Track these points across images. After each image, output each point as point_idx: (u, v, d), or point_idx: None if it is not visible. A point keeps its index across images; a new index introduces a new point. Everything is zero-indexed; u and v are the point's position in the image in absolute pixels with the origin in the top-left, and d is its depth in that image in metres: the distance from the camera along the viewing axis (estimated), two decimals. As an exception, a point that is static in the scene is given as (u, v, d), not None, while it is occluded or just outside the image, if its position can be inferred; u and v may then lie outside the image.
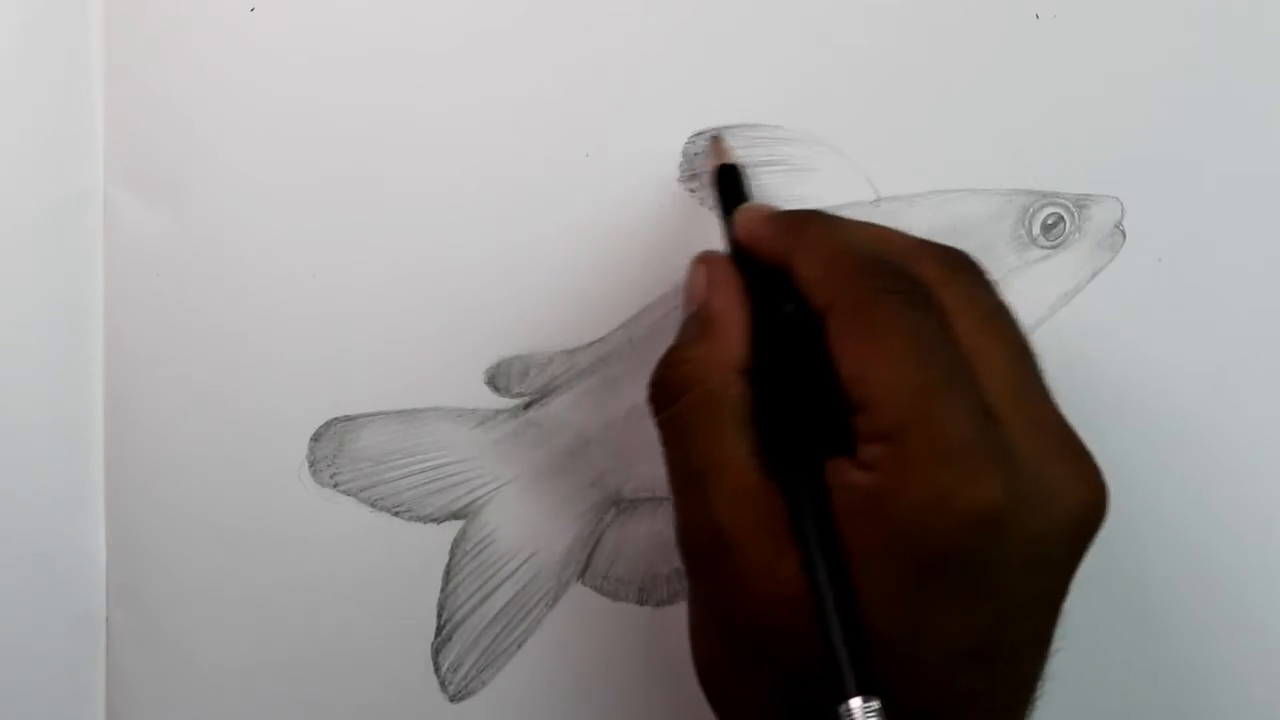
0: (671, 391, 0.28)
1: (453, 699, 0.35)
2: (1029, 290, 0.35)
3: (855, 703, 0.24)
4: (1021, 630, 0.26)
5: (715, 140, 0.33)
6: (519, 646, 0.35)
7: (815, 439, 0.26)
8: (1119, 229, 0.35)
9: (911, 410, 0.25)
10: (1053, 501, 0.25)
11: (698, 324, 0.29)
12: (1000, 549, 0.24)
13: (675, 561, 0.35)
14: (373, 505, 0.35)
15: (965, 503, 0.24)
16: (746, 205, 0.31)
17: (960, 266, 0.28)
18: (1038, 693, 0.26)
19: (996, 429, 0.25)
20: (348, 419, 0.35)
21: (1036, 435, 0.26)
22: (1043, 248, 0.35)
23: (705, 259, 0.30)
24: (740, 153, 0.32)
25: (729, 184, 0.32)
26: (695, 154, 0.34)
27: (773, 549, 0.26)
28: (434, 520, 0.35)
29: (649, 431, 0.35)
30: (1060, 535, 0.25)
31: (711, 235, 0.35)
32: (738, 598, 0.26)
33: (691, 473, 0.27)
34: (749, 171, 0.33)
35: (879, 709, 0.24)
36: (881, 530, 0.25)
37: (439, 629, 0.35)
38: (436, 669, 0.35)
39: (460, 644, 0.35)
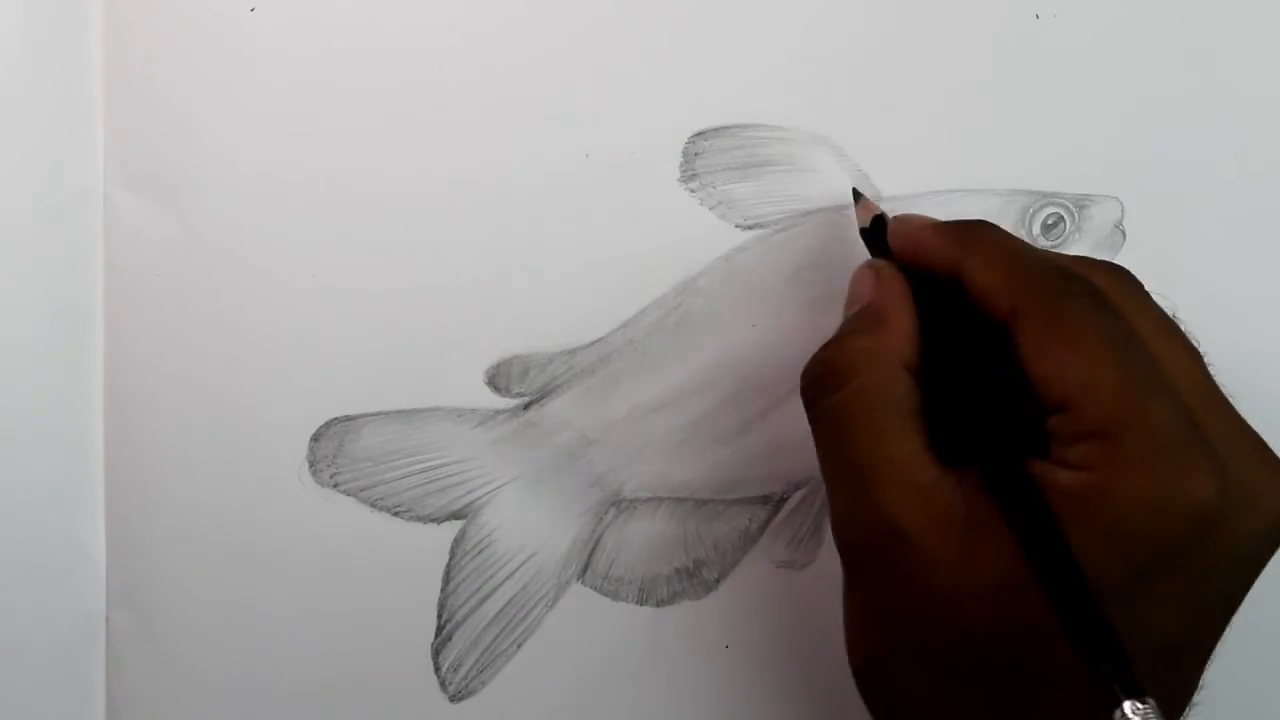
0: (833, 380, 0.28)
1: (453, 699, 0.35)
2: (1029, 290, 0.35)
3: (1129, 706, 0.23)
4: (1210, 630, 0.26)
5: (859, 198, 0.33)
6: (519, 646, 0.35)
7: (998, 439, 0.26)
8: (1119, 229, 0.35)
9: (1122, 406, 0.25)
10: (1257, 502, 0.25)
11: (864, 318, 0.29)
12: (1211, 548, 0.25)
13: (675, 561, 0.35)
14: (373, 505, 0.35)
15: (1184, 499, 0.24)
16: (903, 215, 0.31)
17: (1128, 279, 0.28)
18: (1196, 697, 0.27)
19: (1199, 428, 0.25)
20: (348, 419, 0.35)
21: (1232, 438, 0.26)
22: (1043, 248, 0.35)
23: (872, 264, 0.30)
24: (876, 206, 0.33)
25: (878, 233, 0.32)
26: (695, 154, 0.34)
27: (961, 543, 0.25)
28: (434, 520, 0.35)
29: (649, 431, 0.35)
30: (1263, 536, 0.25)
31: (711, 235, 0.35)
32: (921, 593, 0.26)
33: (855, 466, 0.27)
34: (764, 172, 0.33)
35: (1154, 708, 0.23)
36: (1099, 528, 0.24)
37: (439, 629, 0.35)
38: (436, 669, 0.35)
39: (460, 644, 0.35)
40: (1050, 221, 0.35)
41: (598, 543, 0.35)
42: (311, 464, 0.35)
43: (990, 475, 0.26)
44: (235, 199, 0.34)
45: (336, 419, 0.35)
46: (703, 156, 0.34)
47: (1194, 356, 0.27)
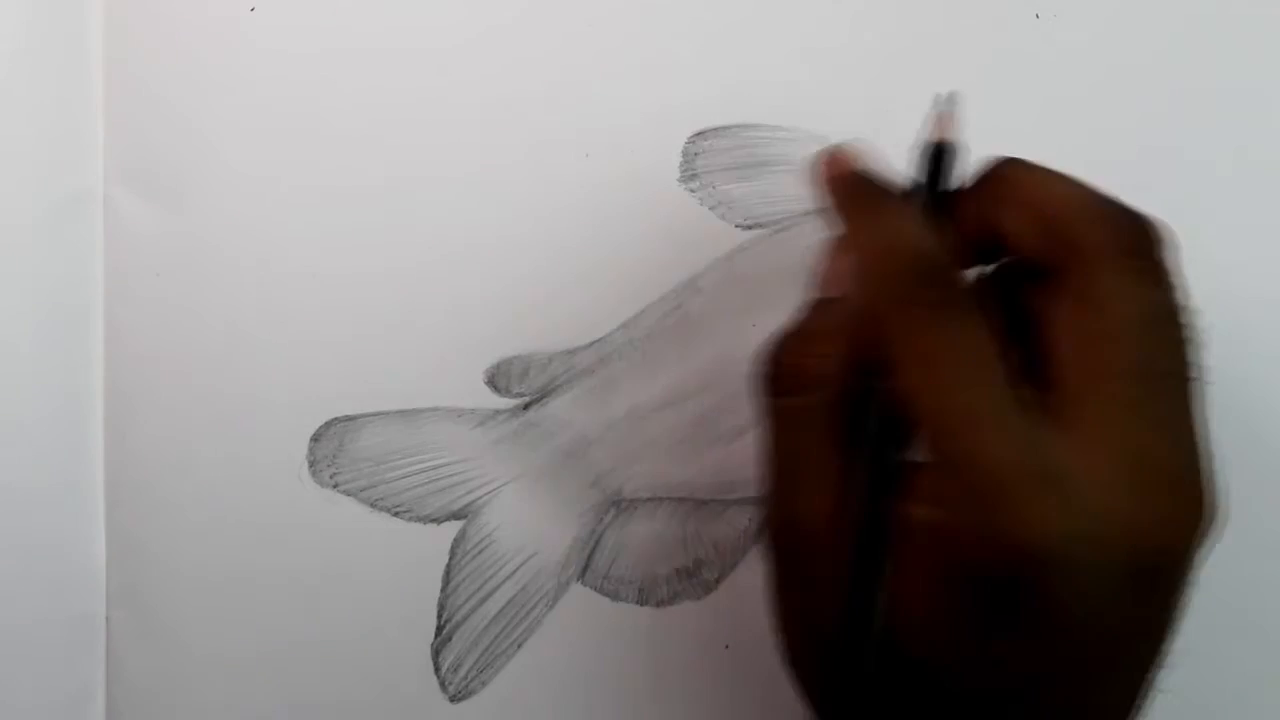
0: (795, 381, 0.27)
1: (453, 699, 0.35)
2: (1029, 290, 0.35)
3: None
4: (1092, 661, 0.24)
5: (942, 114, 0.29)
6: (519, 646, 0.35)
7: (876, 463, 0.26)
8: (1119, 229, 0.35)
9: (961, 440, 0.24)
10: (1111, 534, 0.23)
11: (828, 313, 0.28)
12: (1055, 584, 0.23)
13: (675, 561, 0.35)
14: (373, 505, 0.35)
15: (1017, 539, 0.23)
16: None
17: (1129, 248, 0.26)
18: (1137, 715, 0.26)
19: (1053, 447, 0.24)
20: (348, 419, 0.35)
21: (1109, 461, 0.24)
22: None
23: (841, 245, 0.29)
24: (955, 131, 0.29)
25: (939, 163, 0.28)
26: (695, 154, 0.34)
27: (831, 559, 0.26)
28: (434, 520, 0.35)
29: (649, 431, 0.35)
30: (1119, 568, 0.24)
31: (711, 235, 0.35)
32: (796, 574, 0.27)
33: (786, 466, 0.27)
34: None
35: None
36: (938, 564, 0.24)
37: (439, 629, 0.35)
38: (436, 669, 0.35)
39: (460, 644, 0.35)
40: (1050, 221, 0.35)
41: (598, 543, 0.35)
42: (311, 464, 0.35)
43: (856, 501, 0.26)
44: (235, 199, 0.34)
45: (336, 419, 0.35)
46: (703, 156, 0.34)
47: (1145, 365, 0.25)
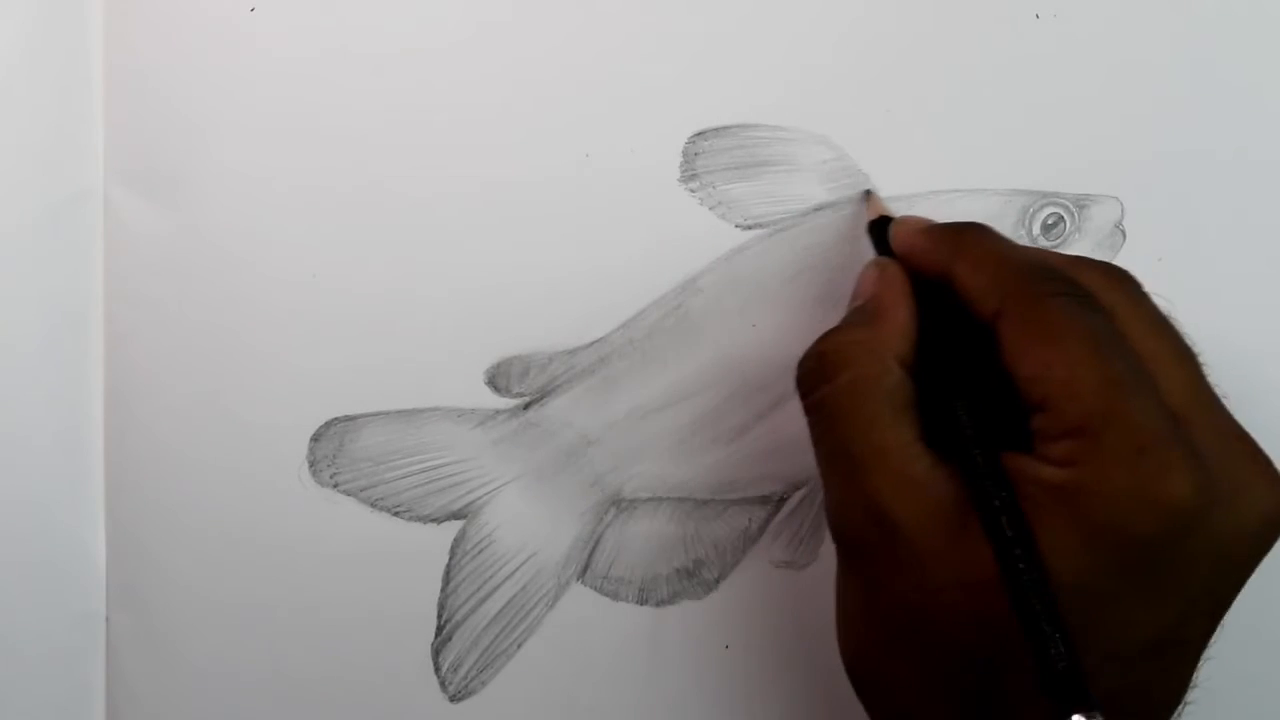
0: (826, 371, 0.28)
1: (453, 699, 0.35)
2: (1029, 290, 0.35)
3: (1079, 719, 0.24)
4: (1197, 627, 0.26)
5: (869, 196, 0.34)
6: (519, 646, 0.35)
7: (985, 436, 0.26)
8: (1119, 229, 0.35)
9: (1103, 404, 0.25)
10: (1241, 502, 0.25)
11: (862, 312, 0.29)
12: (1192, 545, 0.25)
13: (675, 561, 0.35)
14: (373, 505, 0.35)
15: (1163, 496, 0.24)
16: (902, 218, 0.32)
17: (1119, 275, 0.28)
18: (1189, 696, 0.27)
19: (1182, 426, 0.25)
20: (348, 419, 0.35)
21: (1219, 437, 0.26)
22: (1043, 247, 0.35)
23: (878, 262, 0.31)
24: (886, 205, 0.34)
25: (882, 233, 0.32)
26: (695, 154, 0.34)
27: (948, 534, 0.26)
28: (434, 520, 0.35)
29: (649, 431, 0.35)
30: (1248, 535, 0.26)
31: (709, 235, 0.35)
32: (909, 583, 0.26)
33: (847, 456, 0.27)
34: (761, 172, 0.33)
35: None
36: (1079, 523, 0.25)
37: (439, 629, 0.35)
38: (436, 669, 0.35)
39: (460, 644, 0.35)
40: (1050, 221, 0.35)
41: (598, 543, 0.35)
42: (311, 464, 0.35)
43: (969, 470, 0.26)
44: (235, 199, 0.34)
45: (336, 419, 0.35)
46: (703, 156, 0.34)
47: (1186, 356, 0.27)
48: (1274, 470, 0.26)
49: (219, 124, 0.34)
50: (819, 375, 0.28)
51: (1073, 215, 0.35)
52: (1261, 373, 0.35)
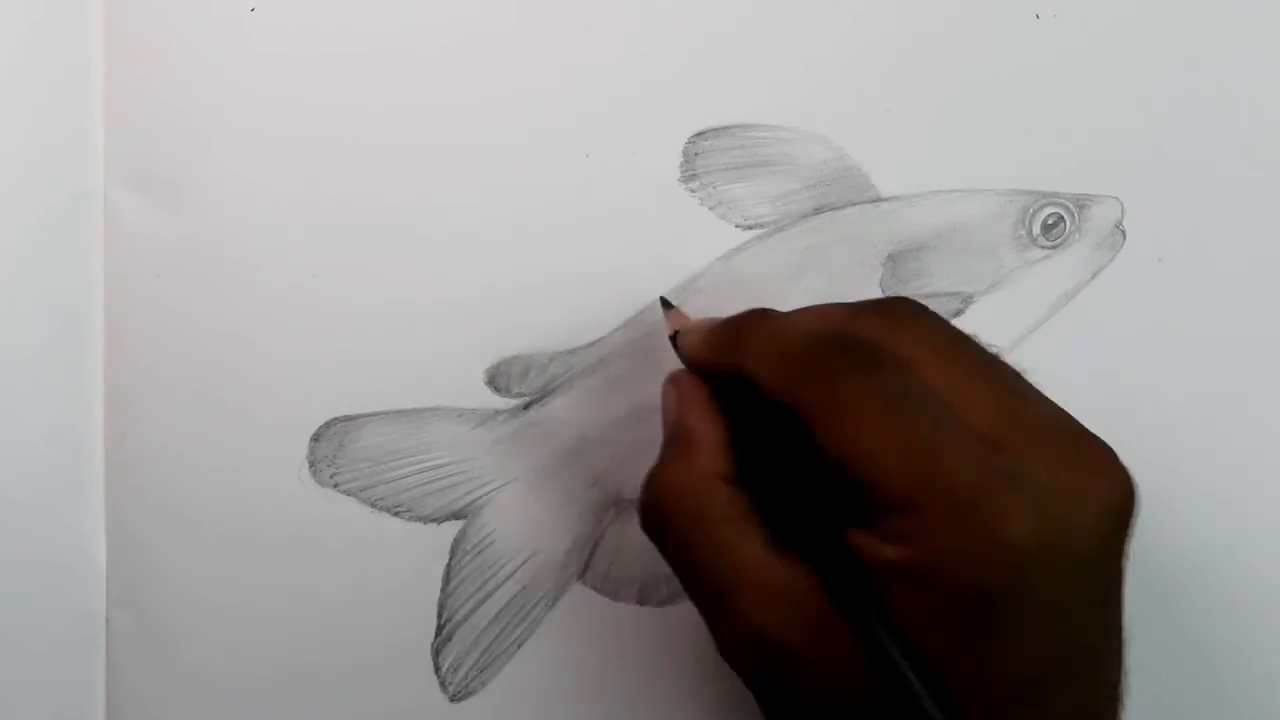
0: (659, 514, 0.28)
1: (453, 699, 0.35)
2: (1029, 290, 0.35)
3: None
4: (1085, 639, 0.25)
5: (666, 307, 0.33)
6: (519, 646, 0.35)
7: (829, 517, 0.26)
8: (1119, 229, 0.35)
9: (914, 473, 0.24)
10: (1079, 508, 0.25)
11: (671, 443, 0.29)
12: (1043, 572, 0.24)
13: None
14: (373, 505, 0.35)
15: (1001, 544, 0.24)
16: (688, 326, 0.31)
17: (900, 313, 0.28)
18: (1123, 689, 0.26)
19: (1001, 455, 0.25)
20: (348, 419, 0.35)
21: (1041, 446, 0.25)
22: (1043, 248, 0.35)
23: (673, 378, 0.30)
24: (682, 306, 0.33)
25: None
26: (695, 154, 0.34)
27: (827, 639, 0.25)
28: (434, 520, 0.35)
29: (649, 431, 0.35)
30: (1096, 538, 0.25)
31: (711, 235, 0.35)
32: (805, 692, 0.26)
33: (710, 590, 0.27)
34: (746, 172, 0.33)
35: None
36: (930, 596, 0.24)
37: (439, 629, 0.35)
38: (436, 669, 0.35)
39: (460, 644, 0.35)
40: (1050, 221, 0.35)
41: (598, 543, 0.35)
42: (311, 464, 0.35)
43: (814, 558, 0.26)
44: (235, 199, 0.34)
45: (336, 419, 0.35)
46: (703, 156, 0.34)
47: (990, 373, 0.27)
48: (1110, 458, 0.26)
49: (219, 124, 0.34)
50: (655, 521, 0.28)
51: (1073, 215, 0.35)
52: (1261, 373, 0.35)
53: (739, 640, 0.27)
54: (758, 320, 0.29)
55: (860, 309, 0.28)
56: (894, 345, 0.27)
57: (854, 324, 0.27)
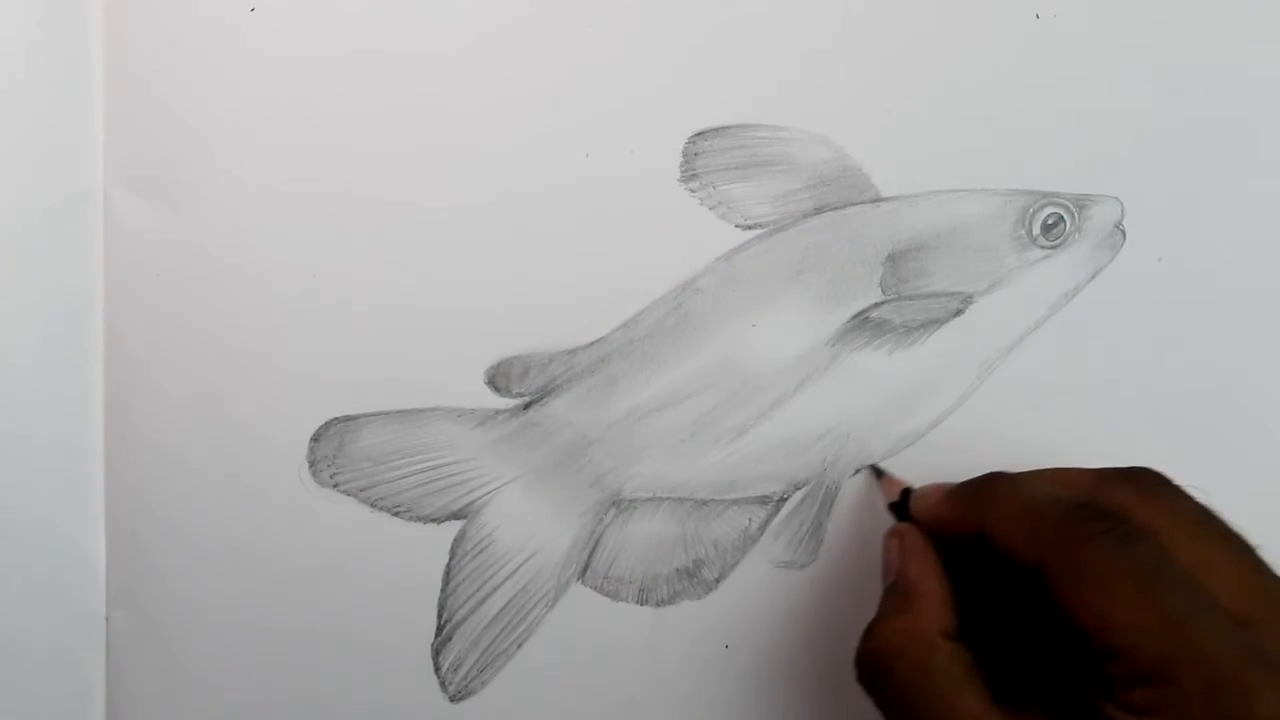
0: (880, 669, 0.29)
1: (453, 699, 0.35)
2: (1029, 290, 0.35)
3: None
4: None
5: (880, 476, 0.34)
6: (519, 646, 0.35)
7: (1061, 683, 0.26)
8: (1119, 229, 0.35)
9: (1168, 647, 0.25)
10: None
11: (895, 596, 0.30)
12: None
13: (675, 561, 0.35)
14: (373, 505, 0.35)
15: None
16: (922, 489, 0.32)
17: (1148, 481, 0.28)
18: None
19: (1250, 633, 0.25)
20: (348, 419, 0.35)
21: None
22: (1043, 248, 0.35)
23: (897, 531, 0.31)
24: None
25: (904, 506, 0.33)
26: (695, 154, 0.34)
27: None
28: (434, 520, 0.35)
29: (649, 431, 0.35)
30: None
31: (709, 235, 0.35)
32: None
33: None
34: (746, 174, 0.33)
35: None
36: None
37: (439, 629, 0.35)
38: (436, 669, 0.35)
39: (460, 644, 0.35)
40: (1050, 221, 0.35)
41: (598, 543, 0.35)
42: (311, 464, 0.35)
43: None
44: (235, 199, 0.34)
45: (336, 419, 0.35)
46: (703, 156, 0.34)
47: (1237, 549, 0.27)
48: None
49: (219, 124, 0.34)
50: (874, 674, 0.29)
51: (1073, 215, 0.35)
52: (1261, 372, 0.35)
53: None
54: (1001, 484, 0.30)
55: (1107, 476, 0.29)
56: (1144, 516, 0.27)
57: (1103, 492, 0.28)
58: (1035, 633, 0.27)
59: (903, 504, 0.32)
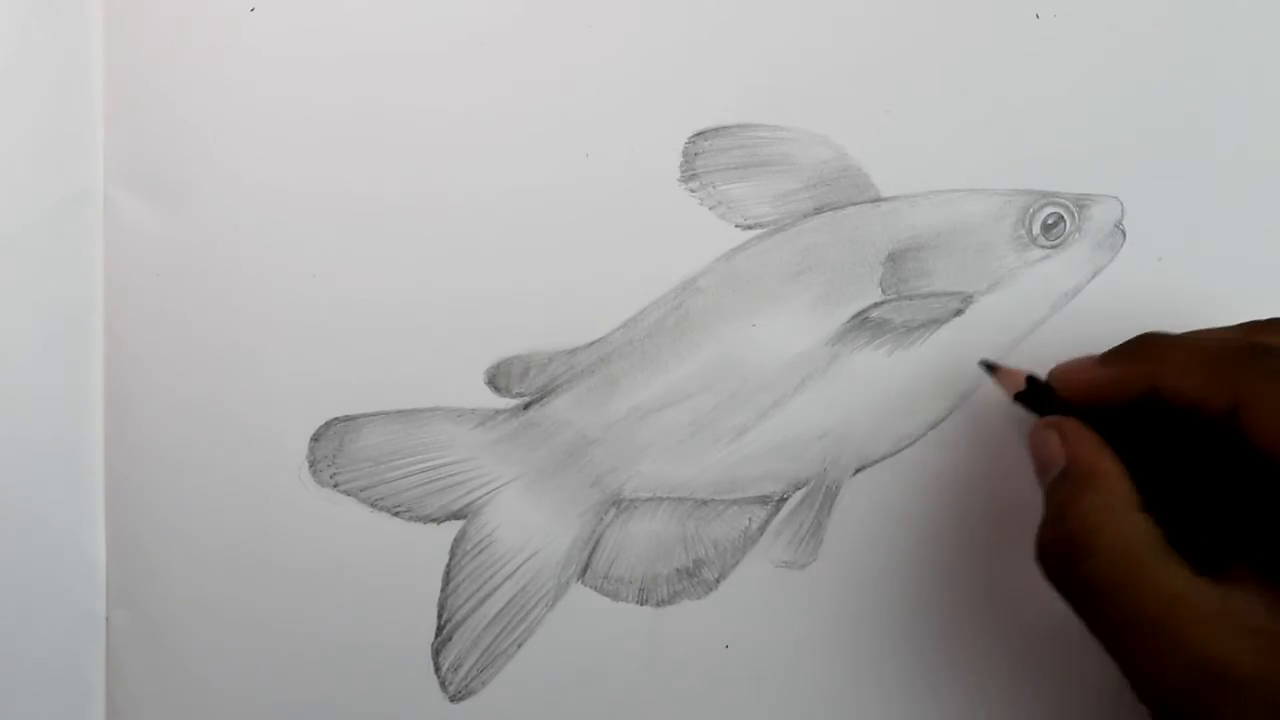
0: (1077, 550, 0.27)
1: (453, 699, 0.35)
2: (1029, 290, 0.35)
3: None
4: None
5: (994, 368, 0.33)
6: (519, 646, 0.35)
7: (1260, 539, 0.26)
8: (1119, 229, 0.35)
9: None
10: None
11: (1074, 479, 0.28)
12: None
13: (675, 561, 0.35)
14: (373, 505, 0.35)
15: None
16: (1063, 365, 0.31)
17: None
18: None
19: None
20: (348, 419, 0.35)
21: None
22: (1043, 248, 0.35)
23: (1049, 423, 0.30)
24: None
25: (1036, 395, 0.31)
26: (695, 154, 0.34)
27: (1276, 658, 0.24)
28: (434, 520, 0.35)
29: (649, 431, 0.35)
30: None
31: (709, 235, 0.35)
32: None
33: (1144, 622, 0.26)
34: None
35: None
36: None
37: (439, 629, 0.35)
38: (436, 669, 0.35)
39: (460, 644, 0.35)
40: (1050, 221, 0.35)
41: (598, 543, 0.35)
42: (312, 464, 0.35)
43: (1267, 568, 0.26)
44: (235, 199, 0.34)
45: (336, 419, 0.35)
46: (703, 156, 0.34)
47: None
48: None
49: (219, 124, 0.34)
50: (1071, 556, 0.27)
51: (1073, 215, 0.35)
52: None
53: (1182, 670, 0.25)
54: (1162, 339, 0.29)
55: (1252, 326, 0.29)
56: None
57: (1267, 335, 0.28)
58: (1219, 493, 0.26)
59: (1031, 392, 0.31)
